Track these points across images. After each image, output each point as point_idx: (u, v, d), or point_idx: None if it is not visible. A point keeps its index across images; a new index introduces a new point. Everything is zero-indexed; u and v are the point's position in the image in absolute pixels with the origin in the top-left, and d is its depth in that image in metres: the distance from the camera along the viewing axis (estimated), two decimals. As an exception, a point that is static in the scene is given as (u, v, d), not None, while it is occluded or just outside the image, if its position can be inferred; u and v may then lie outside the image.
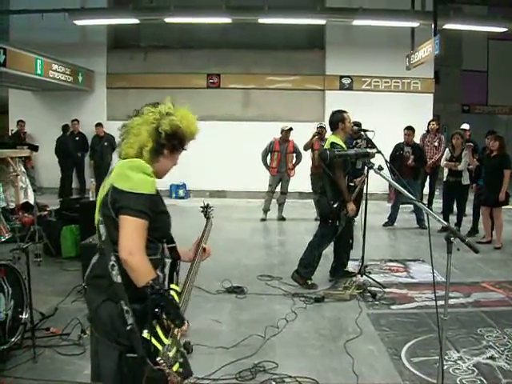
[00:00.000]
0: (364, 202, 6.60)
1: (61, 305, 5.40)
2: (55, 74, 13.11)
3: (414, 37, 13.49)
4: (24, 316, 4.42)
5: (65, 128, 14.18)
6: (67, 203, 8.77)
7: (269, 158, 11.11)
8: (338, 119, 6.40)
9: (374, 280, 6.45)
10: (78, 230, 7.48)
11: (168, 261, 2.64)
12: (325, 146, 6.52)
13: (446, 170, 9.92)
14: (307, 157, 10.98)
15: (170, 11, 12.74)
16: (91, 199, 7.74)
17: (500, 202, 8.64)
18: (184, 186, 14.82)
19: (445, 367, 3.66)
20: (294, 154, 11.08)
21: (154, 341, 2.21)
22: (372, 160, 4.30)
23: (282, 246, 8.98)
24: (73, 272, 6.62)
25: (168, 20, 13.10)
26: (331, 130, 6.57)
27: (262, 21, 13.15)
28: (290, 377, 3.98)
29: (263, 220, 11.16)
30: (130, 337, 2.22)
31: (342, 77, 14.98)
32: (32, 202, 8.88)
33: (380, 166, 3.87)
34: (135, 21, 13.44)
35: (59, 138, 13.96)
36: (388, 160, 4.55)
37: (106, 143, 13.67)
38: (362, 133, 7.21)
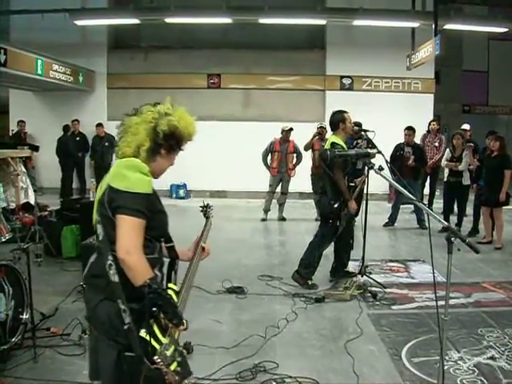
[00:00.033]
0: (364, 202, 6.60)
1: (61, 305, 5.40)
2: (56, 74, 13.11)
3: (415, 37, 13.49)
4: (24, 316, 4.42)
5: (65, 128, 14.19)
6: (68, 203, 8.78)
7: (269, 158, 11.11)
8: (338, 119, 6.40)
9: (374, 280, 6.45)
10: (78, 230, 7.48)
11: (166, 260, 2.64)
12: (325, 146, 6.52)
13: (446, 171, 9.91)
14: (308, 157, 10.98)
15: (171, 11, 12.75)
16: (91, 199, 7.74)
17: (500, 202, 8.63)
18: (184, 186, 14.82)
19: (445, 367, 3.66)
20: (295, 155, 11.09)
21: (151, 340, 2.22)
22: (372, 160, 4.29)
23: (282, 246, 8.98)
24: (73, 272, 6.62)
25: (168, 20, 13.10)
26: (332, 130, 6.57)
27: (262, 21, 13.16)
28: (291, 377, 3.98)
29: (264, 220, 11.16)
30: (128, 336, 2.23)
31: (342, 77, 14.98)
32: (32, 202, 8.88)
33: (380, 166, 3.87)
34: (136, 21, 13.45)
35: (60, 138, 13.97)
36: (388, 160, 4.55)
37: (106, 143, 13.66)
38: (363, 133, 7.21)
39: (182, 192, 14.81)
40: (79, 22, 13.39)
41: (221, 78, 15.16)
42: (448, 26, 12.84)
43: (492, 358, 4.38)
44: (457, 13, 14.50)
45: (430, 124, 11.99)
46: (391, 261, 7.85)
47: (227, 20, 13.19)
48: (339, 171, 6.11)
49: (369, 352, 4.55)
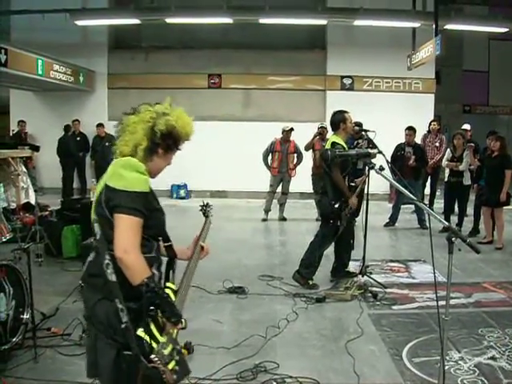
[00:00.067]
0: (365, 202, 6.60)
1: (62, 305, 5.40)
2: (56, 74, 13.11)
3: (415, 37, 13.48)
4: (25, 316, 4.42)
5: (66, 128, 14.19)
6: (68, 203, 8.78)
7: (270, 158, 11.10)
8: (339, 119, 6.40)
9: (375, 280, 6.45)
10: (79, 230, 7.49)
11: (164, 259, 2.65)
12: (326, 146, 6.52)
13: (447, 171, 9.91)
14: (308, 157, 10.97)
15: (171, 11, 12.74)
16: (92, 199, 7.74)
17: (501, 202, 8.63)
18: (185, 186, 14.82)
19: (446, 367, 3.67)
20: (295, 155, 11.09)
21: (148, 339, 2.22)
22: (373, 160, 4.29)
23: (283, 247, 8.98)
24: (74, 272, 6.61)
25: (169, 20, 13.09)
26: (332, 130, 6.57)
27: (262, 21, 13.14)
28: (291, 377, 3.98)
29: (264, 220, 11.16)
30: (125, 335, 2.24)
31: (343, 77, 14.97)
32: (33, 202, 8.90)
33: (381, 166, 3.87)
34: (136, 21, 13.43)
35: (61, 138, 13.96)
36: (389, 160, 4.56)
37: (107, 143, 13.63)
38: (363, 133, 7.20)
39: (182, 192, 14.81)
40: (80, 22, 13.39)
41: (221, 78, 15.16)
42: (448, 26, 12.84)
43: (493, 358, 4.38)
44: (457, 13, 14.52)
45: (430, 124, 11.98)
46: (392, 261, 7.85)
47: (228, 20, 13.17)
48: (337, 169, 6.11)
49: (369, 352, 4.55)
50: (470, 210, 9.91)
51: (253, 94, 15.24)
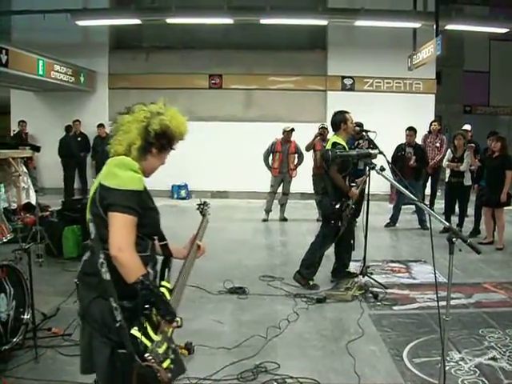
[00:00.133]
0: (366, 202, 6.60)
1: (62, 305, 5.39)
2: (57, 74, 13.13)
3: (416, 37, 13.49)
4: (26, 316, 4.42)
5: (67, 128, 14.19)
6: (69, 204, 8.78)
7: (270, 158, 11.10)
8: (339, 120, 6.40)
9: (375, 281, 6.45)
10: (79, 230, 7.49)
11: (160, 258, 2.65)
12: (327, 147, 6.52)
13: (447, 171, 9.91)
14: (309, 157, 10.97)
15: (172, 12, 12.75)
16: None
17: (502, 202, 8.63)
18: (186, 186, 14.82)
19: (446, 368, 3.67)
20: (296, 155, 11.09)
21: (142, 337, 2.23)
22: (374, 161, 4.29)
23: (283, 247, 8.98)
24: (74, 272, 6.47)
25: (170, 20, 13.10)
26: (333, 130, 6.57)
27: (263, 21, 13.16)
28: (292, 377, 3.98)
29: (265, 220, 11.15)
30: (120, 333, 2.25)
31: (343, 77, 14.98)
32: (34, 202, 8.89)
33: (382, 166, 3.87)
34: (137, 21, 13.45)
35: (62, 139, 13.96)
36: (390, 161, 4.55)
37: (108, 144, 13.65)
38: (364, 133, 7.20)
39: (183, 192, 14.81)
40: (81, 23, 13.41)
41: (222, 79, 15.16)
42: (449, 27, 12.85)
43: (493, 358, 4.37)
44: (458, 13, 14.53)
45: (431, 124, 11.98)
46: (392, 261, 7.85)
47: (229, 20, 13.19)
48: (334, 167, 6.11)
49: (370, 352, 4.54)
50: (470, 210, 9.91)
51: (254, 95, 15.25)
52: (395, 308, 5.73)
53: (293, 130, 10.92)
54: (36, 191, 10.49)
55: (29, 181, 9.61)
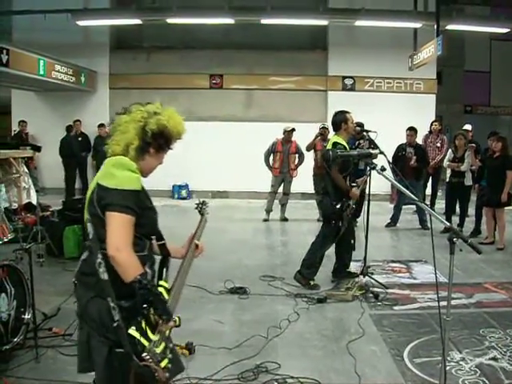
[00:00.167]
0: (366, 202, 6.60)
1: (63, 305, 5.39)
2: (58, 74, 13.12)
3: (417, 37, 13.49)
4: (26, 316, 4.42)
5: (69, 128, 14.18)
6: (70, 203, 8.78)
7: (271, 158, 11.10)
8: (340, 120, 6.40)
9: (376, 281, 6.45)
10: (80, 230, 7.49)
11: (158, 258, 2.65)
12: (327, 147, 6.52)
13: (448, 171, 9.91)
14: (310, 157, 10.97)
15: (173, 12, 12.76)
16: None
17: (502, 202, 8.63)
18: (186, 186, 14.82)
19: (447, 368, 3.67)
20: (297, 155, 11.08)
21: (140, 337, 2.23)
22: (374, 161, 4.29)
23: (284, 247, 8.98)
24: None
25: (170, 20, 13.10)
26: (334, 130, 6.57)
27: (264, 21, 13.16)
28: (292, 377, 3.98)
29: (266, 220, 11.15)
30: (117, 333, 2.25)
31: (344, 77, 14.98)
32: (35, 202, 8.89)
33: (382, 166, 3.87)
34: (138, 21, 13.44)
35: (63, 139, 13.94)
36: (390, 161, 4.55)
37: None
38: (365, 133, 7.19)
39: (184, 192, 14.79)
40: (81, 23, 13.41)
41: (223, 79, 15.16)
42: (450, 27, 12.84)
43: (494, 358, 4.37)
44: (459, 13, 14.51)
45: (431, 124, 11.99)
46: (393, 261, 7.85)
47: (229, 20, 13.19)
48: (335, 167, 6.11)
49: (371, 352, 4.54)
50: (471, 210, 9.90)
51: (254, 95, 15.25)
52: (396, 308, 5.73)
53: (293, 130, 10.92)
54: (37, 191, 10.49)
55: (29, 181, 9.61)
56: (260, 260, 7.88)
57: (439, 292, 3.24)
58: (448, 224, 3.42)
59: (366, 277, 6.42)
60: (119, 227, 2.32)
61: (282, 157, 10.99)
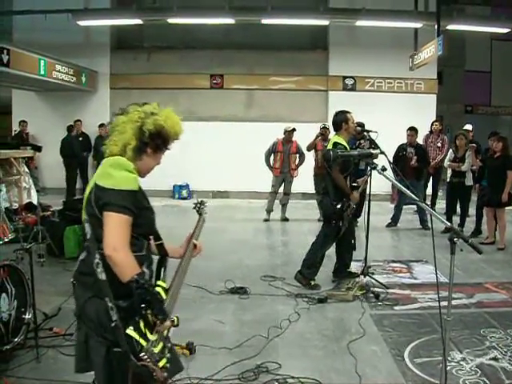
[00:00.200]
0: (367, 202, 6.60)
1: (64, 305, 5.39)
2: (58, 74, 13.13)
3: (418, 37, 13.49)
4: (27, 316, 4.43)
5: (69, 129, 14.18)
6: (70, 203, 8.78)
7: (272, 158, 11.10)
8: (341, 120, 6.40)
9: (377, 281, 6.44)
10: (81, 230, 7.45)
11: (155, 258, 2.66)
12: (328, 147, 6.52)
13: (449, 171, 9.91)
14: (310, 157, 10.97)
15: (173, 12, 12.76)
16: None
17: (503, 202, 8.62)
18: (187, 186, 14.82)
19: (448, 368, 3.66)
20: (297, 155, 11.08)
21: (137, 337, 2.23)
22: (375, 161, 4.29)
23: (285, 247, 8.98)
24: (75, 272, 6.60)
25: (171, 21, 13.11)
26: (334, 130, 6.57)
27: (265, 21, 13.16)
28: (293, 377, 3.98)
29: (266, 220, 11.15)
30: (115, 333, 2.25)
31: (345, 77, 14.98)
32: (35, 202, 8.90)
33: (383, 166, 3.87)
34: (138, 21, 13.44)
35: (64, 139, 13.94)
36: (391, 161, 4.55)
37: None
38: (365, 133, 7.19)
39: (184, 192, 14.79)
40: (82, 23, 13.41)
41: (223, 79, 15.16)
42: (451, 27, 12.83)
43: (495, 358, 4.37)
44: (459, 13, 14.50)
45: (432, 124, 11.99)
46: (394, 261, 7.84)
47: (230, 20, 13.19)
48: (336, 168, 6.11)
49: (371, 352, 4.54)
50: (471, 210, 9.90)
51: (255, 95, 15.25)
52: (396, 308, 5.73)
53: (294, 130, 10.92)
54: (37, 191, 10.50)
55: (30, 181, 9.62)
56: (261, 260, 7.87)
57: (440, 292, 3.24)
58: (449, 224, 3.42)
59: (367, 277, 6.42)
60: (116, 227, 2.32)
61: (283, 157, 10.99)
